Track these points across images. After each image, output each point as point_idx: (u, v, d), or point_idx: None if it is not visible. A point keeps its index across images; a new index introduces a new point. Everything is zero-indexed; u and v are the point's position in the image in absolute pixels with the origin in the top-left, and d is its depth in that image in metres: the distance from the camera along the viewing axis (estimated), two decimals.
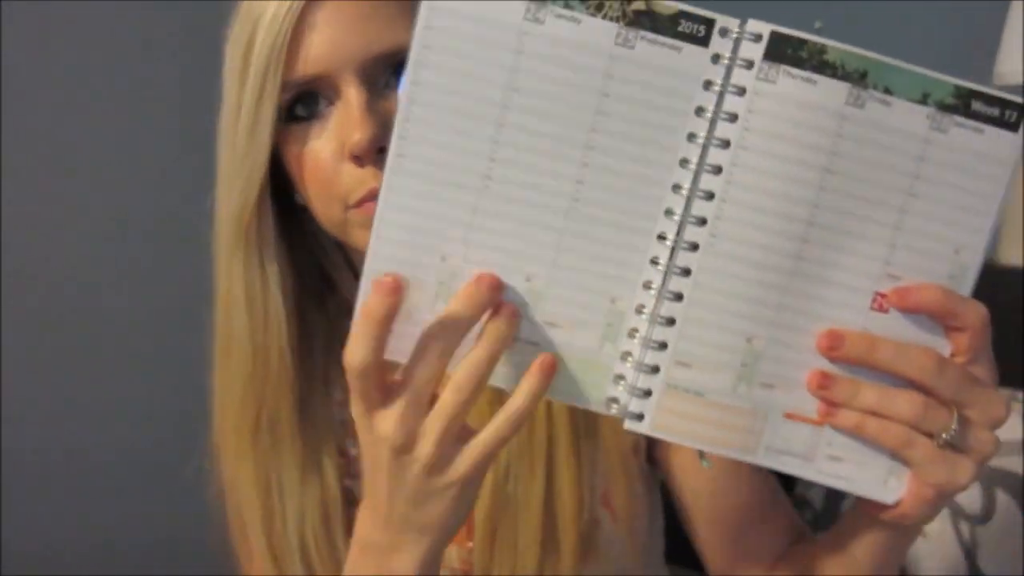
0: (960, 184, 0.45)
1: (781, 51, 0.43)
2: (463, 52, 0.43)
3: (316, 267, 0.66)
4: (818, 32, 0.43)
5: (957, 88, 0.44)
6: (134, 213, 1.55)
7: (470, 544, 0.65)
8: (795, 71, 0.43)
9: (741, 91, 0.43)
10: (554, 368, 0.45)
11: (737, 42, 0.43)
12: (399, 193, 0.45)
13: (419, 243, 0.45)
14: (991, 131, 0.44)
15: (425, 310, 0.45)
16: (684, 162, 0.44)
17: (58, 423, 1.41)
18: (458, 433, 0.46)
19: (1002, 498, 1.00)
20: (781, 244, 0.44)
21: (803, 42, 0.43)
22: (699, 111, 0.44)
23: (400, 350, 0.45)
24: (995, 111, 0.44)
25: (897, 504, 0.47)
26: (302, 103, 0.56)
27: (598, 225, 0.45)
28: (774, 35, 0.43)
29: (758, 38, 0.43)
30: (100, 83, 1.51)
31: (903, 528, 0.50)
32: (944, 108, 0.44)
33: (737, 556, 0.67)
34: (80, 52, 1.48)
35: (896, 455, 0.46)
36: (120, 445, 1.44)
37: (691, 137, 0.44)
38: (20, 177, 1.43)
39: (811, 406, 0.46)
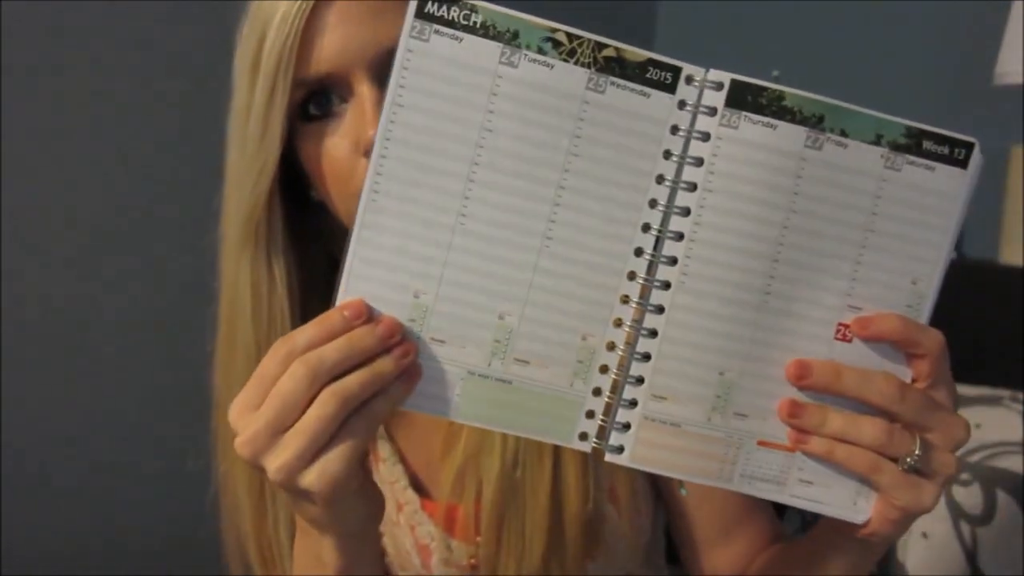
0: (915, 219, 0.47)
1: (742, 98, 0.45)
2: (439, 92, 0.45)
3: (324, 263, 0.66)
4: (776, 80, 0.45)
5: (908, 129, 0.47)
6: (135, 213, 1.55)
7: (478, 539, 0.65)
8: (756, 117, 0.45)
9: (706, 136, 0.45)
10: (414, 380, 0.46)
11: (701, 90, 0.45)
12: (373, 230, 0.45)
13: (392, 280, 0.46)
14: (942, 168, 0.47)
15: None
16: (653, 203, 0.46)
17: (58, 422, 1.40)
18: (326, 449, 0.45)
19: (1002, 498, 1.00)
20: (749, 281, 0.46)
21: (762, 89, 0.45)
22: (667, 154, 0.46)
23: None
24: (945, 149, 0.47)
25: (866, 524, 0.49)
26: (315, 102, 0.56)
27: (570, 264, 0.46)
28: (734, 83, 0.45)
29: (720, 86, 0.45)
30: (99, 83, 1.51)
31: (871, 544, 0.52)
32: (897, 148, 0.46)
33: (717, 558, 0.68)
34: (80, 52, 1.48)
35: (864, 479, 0.48)
36: (121, 445, 1.44)
37: (660, 179, 0.46)
38: (20, 177, 1.43)
39: (783, 433, 0.48)
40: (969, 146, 0.47)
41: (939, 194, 0.47)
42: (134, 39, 1.53)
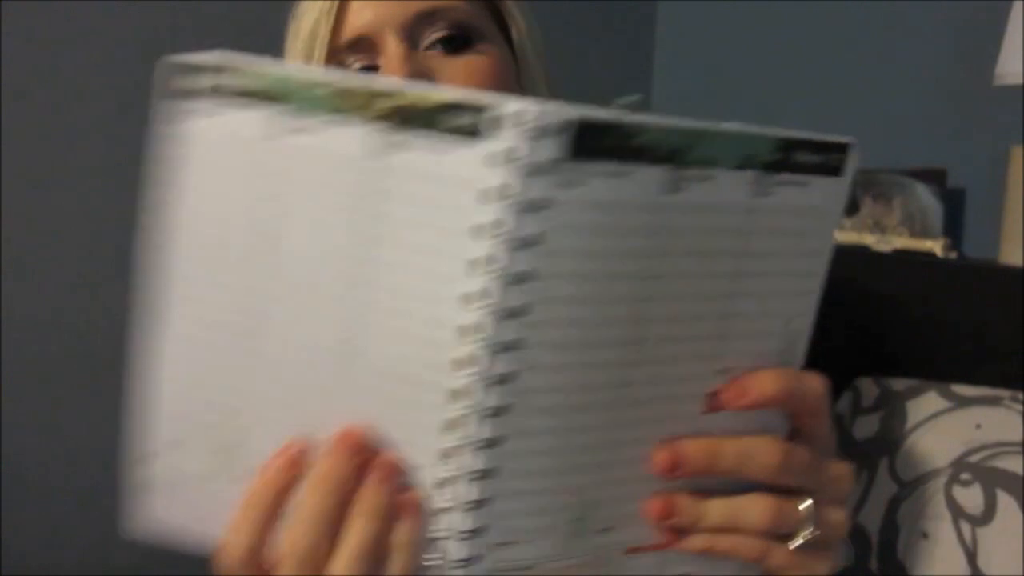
0: (788, 249, 0.39)
1: (585, 144, 0.32)
2: (213, 176, 0.36)
3: None
4: (635, 105, 0.35)
5: (778, 141, 0.37)
6: (135, 213, 1.55)
7: None
8: (603, 166, 0.32)
9: (535, 205, 0.32)
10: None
11: (526, 138, 0.31)
12: (167, 341, 0.37)
13: (200, 398, 0.37)
14: (816, 181, 0.38)
15: (217, 476, 0.38)
16: (467, 299, 0.33)
17: (59, 421, 1.40)
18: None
19: (1002, 498, 1.00)
20: (602, 379, 0.36)
21: (610, 128, 0.32)
22: (477, 233, 0.32)
23: (188, 521, 0.39)
24: (819, 158, 0.38)
25: None
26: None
27: (375, 376, 0.35)
28: (580, 125, 0.32)
29: (554, 131, 0.31)
30: (100, 83, 1.51)
31: None
32: (767, 167, 0.36)
33: None
34: (82, 51, 1.48)
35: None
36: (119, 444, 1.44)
37: (471, 267, 0.33)
38: (21, 177, 1.43)
39: (651, 533, 0.40)
40: (843, 148, 0.38)
41: (814, 212, 0.38)
42: (138, 38, 1.53)
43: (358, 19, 0.58)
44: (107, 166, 1.54)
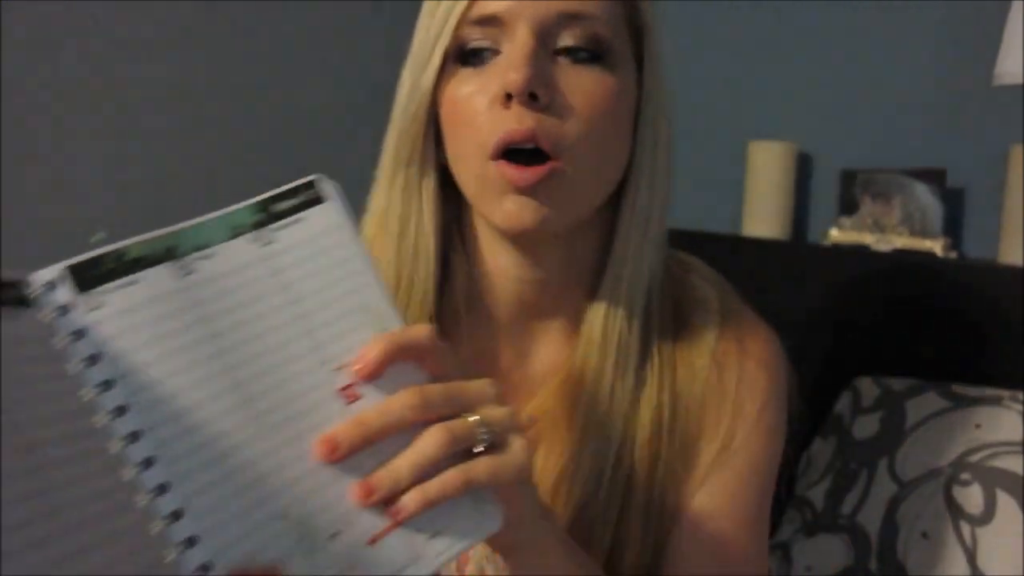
0: (322, 266, 0.47)
1: (88, 277, 0.41)
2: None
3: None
4: (102, 241, 0.43)
5: (254, 206, 0.46)
6: (137, 212, 1.55)
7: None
8: (113, 284, 0.42)
9: (80, 333, 0.41)
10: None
11: (43, 295, 0.41)
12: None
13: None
14: (309, 214, 0.47)
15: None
16: (112, 413, 0.41)
17: None
18: None
19: (1002, 498, 1.00)
20: (230, 422, 0.42)
21: (100, 259, 0.42)
22: (62, 375, 0.41)
23: None
24: (297, 199, 0.47)
25: (506, 520, 0.47)
26: (473, 49, 0.59)
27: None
28: (71, 270, 0.41)
29: (57, 283, 0.41)
30: (99, 83, 1.51)
31: (542, 532, 0.52)
32: (257, 226, 0.46)
33: None
34: (83, 50, 1.48)
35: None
36: None
37: (85, 388, 0.41)
38: (21, 175, 1.43)
39: (379, 519, 0.44)
40: (311, 183, 0.48)
41: (325, 231, 0.47)
42: (139, 37, 1.53)
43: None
44: (107, 166, 1.53)
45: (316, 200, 0.47)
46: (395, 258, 0.65)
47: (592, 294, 0.65)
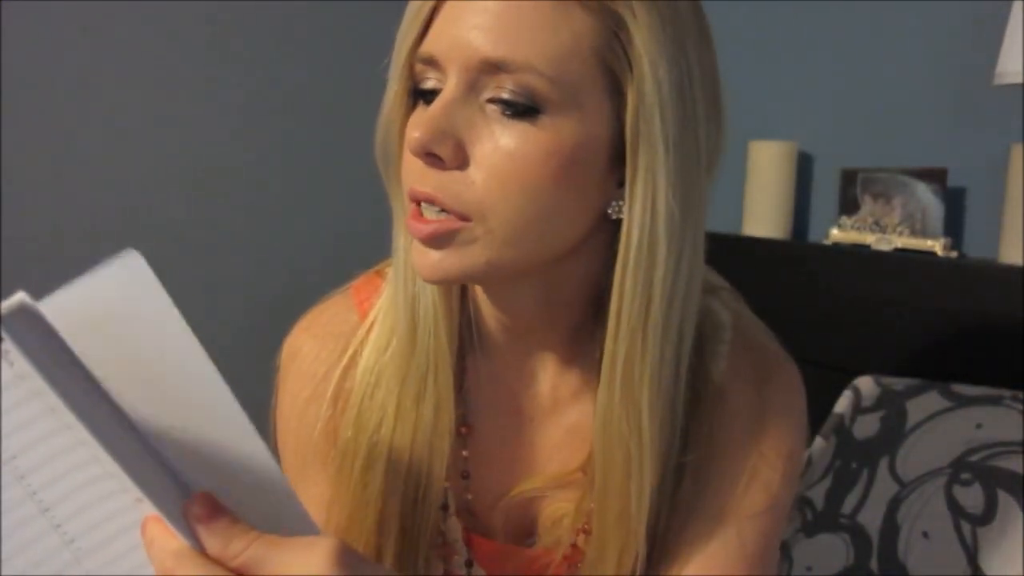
0: (34, 411, 0.39)
1: None
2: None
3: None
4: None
5: None
6: (135, 213, 1.55)
7: None
8: None
9: None
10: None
11: None
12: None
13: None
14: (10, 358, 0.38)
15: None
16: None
17: None
18: None
19: (1002, 498, 1.00)
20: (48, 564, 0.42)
21: None
22: None
23: None
24: None
25: None
26: (425, 94, 0.56)
27: None
28: None
29: None
30: (99, 82, 1.51)
31: None
32: None
33: None
34: (84, 50, 1.48)
35: None
36: None
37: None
38: (21, 176, 1.43)
39: None
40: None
41: (23, 377, 0.38)
42: (140, 37, 1.53)
43: (436, 39, 0.54)
44: (107, 165, 1.53)
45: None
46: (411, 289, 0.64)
47: (596, 309, 0.63)
